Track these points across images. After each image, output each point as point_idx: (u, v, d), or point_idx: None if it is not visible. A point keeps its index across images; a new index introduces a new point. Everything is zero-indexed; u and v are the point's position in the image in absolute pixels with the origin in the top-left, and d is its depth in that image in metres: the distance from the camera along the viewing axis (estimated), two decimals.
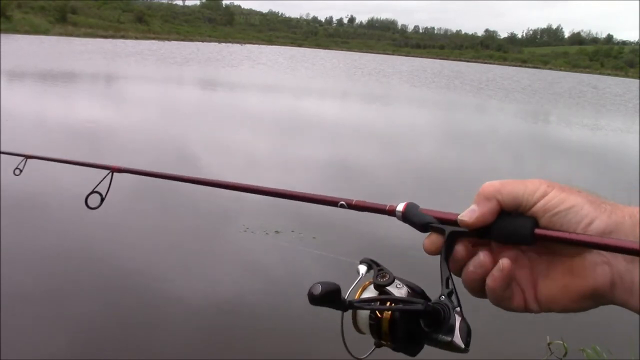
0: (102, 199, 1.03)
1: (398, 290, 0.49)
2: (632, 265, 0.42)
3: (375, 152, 9.29)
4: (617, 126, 17.57)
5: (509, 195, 0.47)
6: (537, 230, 0.43)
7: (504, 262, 0.47)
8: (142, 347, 3.00)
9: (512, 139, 12.69)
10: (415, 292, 0.50)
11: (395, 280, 0.49)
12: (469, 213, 0.49)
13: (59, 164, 1.36)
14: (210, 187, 0.78)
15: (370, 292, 0.50)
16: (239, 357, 3.02)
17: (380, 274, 0.50)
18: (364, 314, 0.50)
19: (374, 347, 0.50)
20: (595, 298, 0.45)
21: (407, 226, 0.50)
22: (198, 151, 8.16)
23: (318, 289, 0.44)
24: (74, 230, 4.47)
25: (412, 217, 0.50)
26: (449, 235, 0.49)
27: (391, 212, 0.52)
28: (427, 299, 0.49)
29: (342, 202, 0.58)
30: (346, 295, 0.48)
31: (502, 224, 0.45)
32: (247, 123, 11.32)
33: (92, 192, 1.02)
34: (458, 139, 11.78)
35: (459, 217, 0.49)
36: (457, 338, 0.47)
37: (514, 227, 0.45)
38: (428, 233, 0.51)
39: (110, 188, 1.02)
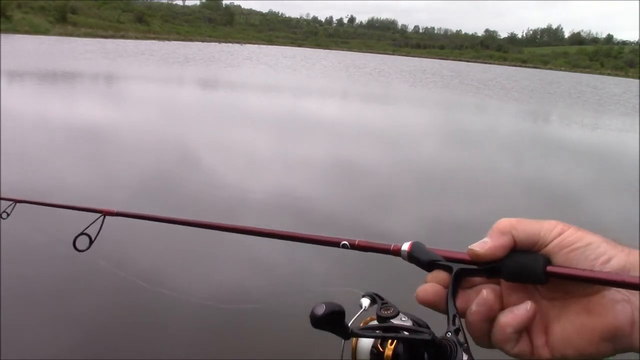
0: (91, 242, 1.00)
1: (402, 324, 0.47)
2: None
3: (376, 152, 9.29)
4: (616, 126, 17.57)
5: (524, 232, 0.45)
6: (550, 268, 0.42)
7: (486, 292, 0.46)
8: (147, 345, 3.01)
9: (512, 139, 12.69)
10: (421, 326, 0.47)
11: (400, 314, 0.48)
12: (480, 244, 0.47)
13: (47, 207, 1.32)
14: (200, 229, 0.77)
15: (364, 347, 0.49)
16: (243, 354, 3.04)
17: (384, 307, 0.49)
18: (365, 347, 0.48)
19: None
20: (615, 339, 0.42)
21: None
22: (204, 152, 8.15)
23: (321, 309, 0.42)
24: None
25: (418, 256, 0.49)
26: (457, 273, 0.47)
27: (396, 252, 0.51)
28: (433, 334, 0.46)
29: (345, 242, 0.57)
30: (353, 318, 0.47)
31: (512, 261, 0.44)
32: (250, 123, 11.32)
33: (81, 234, 0.99)
34: (458, 139, 11.77)
35: (469, 247, 0.47)
36: None
37: (525, 264, 0.43)
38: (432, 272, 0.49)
39: (102, 229, 1.00)
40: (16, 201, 1.35)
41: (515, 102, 23.35)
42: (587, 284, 0.42)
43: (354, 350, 0.49)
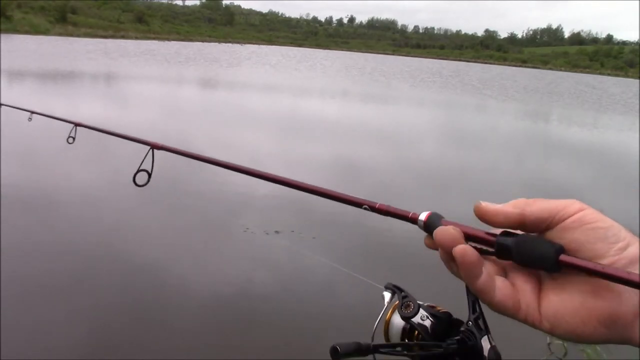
0: (149, 177, 1.06)
1: (422, 323, 0.48)
2: None
3: (378, 152, 9.30)
4: (616, 126, 17.58)
5: (539, 209, 0.44)
6: (563, 257, 0.41)
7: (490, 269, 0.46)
8: (155, 336, 3.03)
9: (512, 139, 12.70)
10: (441, 321, 0.48)
11: (420, 310, 0.49)
12: (489, 203, 0.47)
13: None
14: (235, 173, 0.80)
15: (397, 321, 0.50)
16: (247, 345, 3.07)
17: (404, 303, 0.50)
18: (396, 326, 0.50)
19: None
20: (613, 327, 0.40)
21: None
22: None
23: (336, 353, 0.45)
24: (86, 228, 4.54)
25: (434, 226, 0.48)
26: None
27: (414, 220, 0.51)
28: (454, 324, 0.48)
29: (366, 206, 0.58)
30: (375, 322, 0.49)
31: (524, 246, 0.43)
32: (255, 122, 11.33)
33: (139, 170, 1.05)
34: (458, 138, 11.79)
35: (476, 203, 0.47)
36: None
37: (536, 249, 0.42)
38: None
39: (147, 163, 1.05)
40: (76, 124, 1.52)
41: (516, 102, 23.36)
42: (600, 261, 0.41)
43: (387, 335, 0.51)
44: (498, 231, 0.46)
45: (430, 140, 11.59)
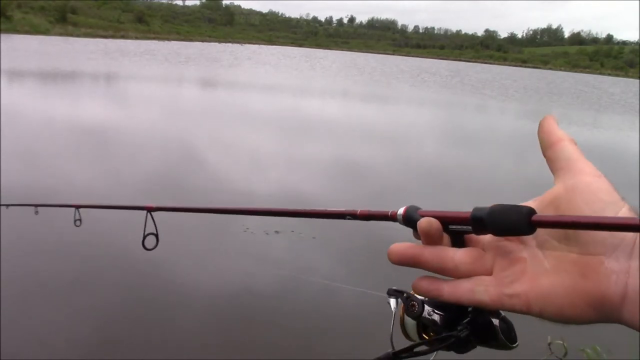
0: (157, 239, 1.15)
1: (431, 318, 0.50)
2: None
3: (378, 151, 9.30)
4: (616, 126, 17.59)
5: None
6: (535, 217, 0.41)
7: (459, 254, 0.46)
8: (157, 335, 3.04)
9: (512, 138, 12.71)
10: (448, 310, 0.49)
11: (426, 307, 0.50)
12: None
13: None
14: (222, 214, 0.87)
15: (410, 321, 0.51)
16: (249, 344, 3.08)
17: (409, 304, 0.51)
18: (411, 323, 0.51)
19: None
20: (601, 308, 0.40)
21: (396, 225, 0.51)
22: (218, 150, 8.17)
23: None
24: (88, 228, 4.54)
25: (412, 219, 0.49)
26: (451, 232, 0.47)
27: (393, 218, 0.53)
28: (462, 308, 0.48)
29: (349, 215, 0.60)
30: (391, 327, 0.51)
31: (495, 215, 0.43)
32: (255, 122, 11.34)
33: (147, 234, 1.13)
34: (458, 138, 11.79)
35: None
36: (502, 339, 0.47)
37: (507, 214, 0.42)
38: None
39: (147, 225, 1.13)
40: (77, 207, 1.63)
41: (516, 101, 23.37)
42: (589, 242, 0.40)
43: (404, 329, 0.53)
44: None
45: (429, 139, 11.59)
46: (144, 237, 1.12)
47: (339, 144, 9.73)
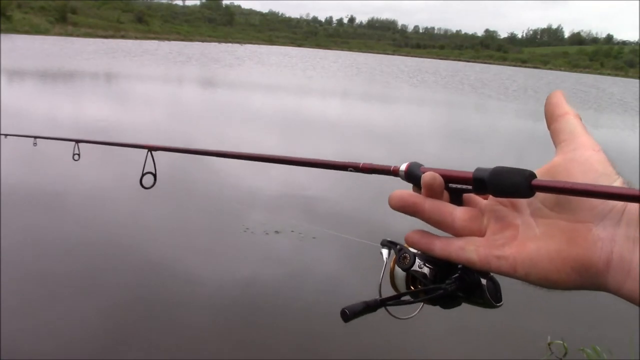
0: (155, 178, 1.14)
1: (421, 270, 0.51)
2: (632, 244, 0.38)
3: (378, 150, 9.30)
4: (616, 125, 17.59)
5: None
6: (535, 181, 0.41)
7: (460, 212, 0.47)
8: (165, 330, 3.05)
9: (512, 138, 12.71)
10: (437, 265, 0.50)
11: (417, 260, 0.51)
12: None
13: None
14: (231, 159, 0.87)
15: (400, 272, 0.52)
16: (259, 336, 3.12)
17: (401, 255, 0.52)
18: (400, 274, 0.52)
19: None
20: (585, 274, 0.41)
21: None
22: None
23: (346, 315, 0.47)
24: (100, 223, 4.61)
25: (414, 175, 0.51)
26: (451, 191, 0.49)
27: (395, 173, 0.53)
28: (452, 264, 0.49)
29: (351, 167, 0.61)
30: (380, 276, 0.52)
31: (497, 175, 0.44)
32: (256, 121, 11.34)
33: (144, 173, 1.12)
34: (457, 137, 11.79)
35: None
36: (487, 298, 0.48)
37: (509, 176, 0.43)
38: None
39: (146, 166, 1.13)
40: (77, 141, 1.64)
41: (516, 101, 23.36)
42: (579, 210, 0.41)
43: (393, 280, 0.53)
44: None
45: (429, 139, 11.59)
46: (142, 176, 1.12)
47: (339, 143, 9.73)
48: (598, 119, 19.49)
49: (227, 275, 3.96)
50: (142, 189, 1.13)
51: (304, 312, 3.46)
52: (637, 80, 62.40)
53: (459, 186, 0.48)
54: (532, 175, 0.42)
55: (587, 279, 0.41)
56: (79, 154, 1.64)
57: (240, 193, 5.91)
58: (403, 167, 0.52)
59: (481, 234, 0.46)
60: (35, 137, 2.10)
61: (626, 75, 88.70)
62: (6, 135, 2.43)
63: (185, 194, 5.66)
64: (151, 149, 1.15)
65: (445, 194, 0.48)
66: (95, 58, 26.55)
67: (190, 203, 5.46)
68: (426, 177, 0.47)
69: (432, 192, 0.48)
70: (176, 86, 18.89)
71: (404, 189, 0.48)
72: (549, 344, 2.92)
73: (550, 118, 0.48)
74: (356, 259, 4.08)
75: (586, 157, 0.43)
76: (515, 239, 0.44)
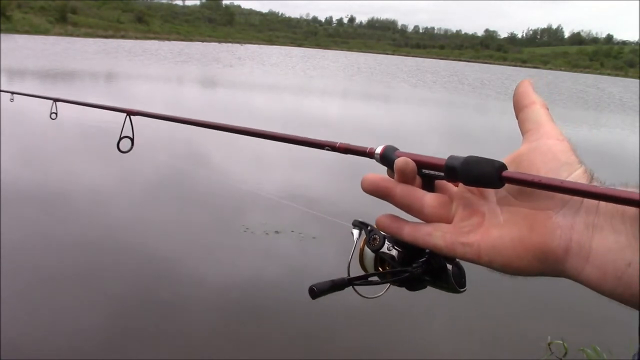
0: (132, 142, 1.12)
1: (389, 253, 0.52)
2: (591, 232, 0.39)
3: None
4: (616, 125, 17.59)
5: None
6: (505, 173, 0.42)
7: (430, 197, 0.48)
8: (168, 324, 3.07)
9: (512, 138, 12.68)
10: (406, 248, 0.51)
11: (386, 242, 0.52)
12: None
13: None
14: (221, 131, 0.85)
15: (369, 253, 0.53)
16: (258, 331, 3.13)
17: (371, 237, 0.53)
18: (369, 255, 0.53)
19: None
20: (545, 261, 0.42)
21: None
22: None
23: (314, 293, 0.49)
24: (101, 222, 4.61)
25: (389, 159, 0.51)
26: (423, 176, 0.49)
27: (371, 155, 0.54)
28: (420, 251, 0.50)
29: (327, 147, 0.62)
30: (350, 256, 0.53)
31: (468, 164, 0.44)
32: (256, 120, 11.33)
33: (121, 137, 1.10)
34: (457, 137, 11.79)
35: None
36: (452, 283, 0.50)
37: (480, 166, 0.43)
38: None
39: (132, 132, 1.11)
40: (55, 100, 1.60)
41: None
42: (540, 198, 0.42)
43: (362, 261, 0.55)
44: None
45: (429, 138, 11.59)
46: (120, 140, 1.10)
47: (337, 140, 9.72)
48: (598, 119, 19.50)
49: (227, 274, 3.96)
50: (121, 153, 1.12)
51: (304, 311, 3.46)
52: (637, 80, 62.35)
53: (431, 172, 0.48)
54: (503, 167, 0.43)
55: (548, 265, 0.42)
56: (56, 113, 1.60)
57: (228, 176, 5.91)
58: (379, 149, 0.53)
59: (449, 220, 0.47)
60: (13, 93, 2.06)
61: (626, 75, 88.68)
62: None
63: (185, 191, 5.66)
64: (130, 113, 1.13)
65: (418, 179, 0.49)
66: (97, 58, 26.54)
67: (191, 200, 5.46)
68: (399, 162, 0.48)
69: (404, 177, 0.48)
70: (176, 86, 18.89)
71: (377, 173, 0.49)
72: (549, 344, 2.92)
73: (517, 107, 0.49)
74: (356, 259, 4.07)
75: (549, 147, 0.44)
76: (481, 226, 0.45)
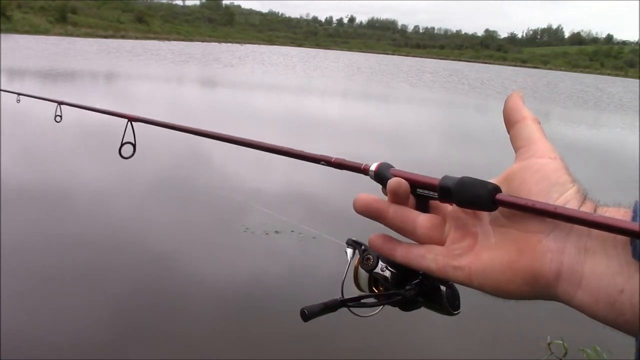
0: (134, 148, 1.14)
1: (382, 274, 0.52)
2: (582, 256, 0.38)
3: (378, 149, 9.30)
4: (616, 125, 17.59)
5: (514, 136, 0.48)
6: (499, 196, 0.42)
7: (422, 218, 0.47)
8: (170, 322, 3.07)
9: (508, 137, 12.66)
10: (399, 269, 0.51)
11: (379, 263, 0.52)
12: None
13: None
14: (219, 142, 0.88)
15: (363, 273, 0.53)
16: (259, 334, 3.14)
17: (365, 257, 0.52)
18: (364, 274, 0.53)
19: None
20: (535, 285, 0.41)
21: None
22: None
23: (305, 315, 0.49)
24: (104, 220, 4.64)
25: (383, 177, 0.50)
26: (417, 196, 0.48)
27: (365, 172, 0.53)
28: (414, 271, 0.50)
29: (323, 161, 0.61)
30: (344, 275, 0.53)
31: (462, 185, 0.44)
32: (257, 120, 11.34)
33: (123, 143, 1.11)
34: (457, 137, 11.79)
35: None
36: (445, 305, 0.49)
37: (474, 188, 0.43)
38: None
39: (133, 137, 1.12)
40: (59, 103, 1.64)
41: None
42: (531, 221, 0.41)
43: (356, 280, 0.54)
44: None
45: (429, 138, 11.59)
46: (121, 145, 1.12)
47: (339, 142, 9.73)
48: (598, 119, 19.50)
49: (227, 274, 3.97)
50: (123, 159, 1.13)
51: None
52: (637, 80, 62.38)
53: (425, 192, 0.48)
54: (496, 189, 0.42)
55: (538, 289, 0.41)
56: (60, 116, 1.62)
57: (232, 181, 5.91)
58: (373, 167, 0.52)
59: (442, 242, 0.47)
60: (19, 94, 2.11)
61: (626, 75, 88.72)
62: None
63: (186, 191, 5.66)
64: (131, 119, 1.15)
65: (412, 199, 0.49)
66: (99, 58, 26.55)
67: (191, 200, 5.46)
68: (392, 183, 0.47)
69: (397, 198, 0.48)
70: (178, 85, 18.89)
71: (368, 194, 0.49)
72: (548, 344, 2.92)
73: (508, 123, 0.49)
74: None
75: (540, 165, 0.43)
76: (473, 249, 0.45)
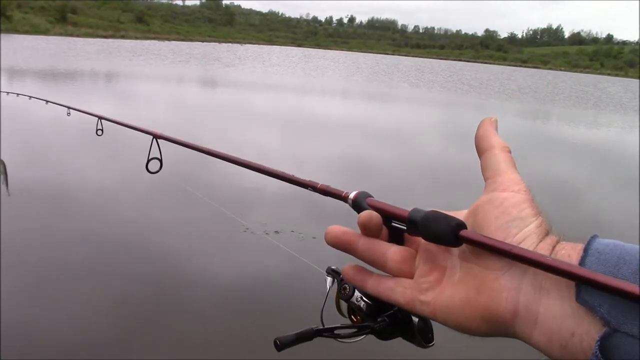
0: (161, 163, 1.21)
1: (357, 304, 0.52)
2: (538, 295, 0.38)
3: (378, 149, 9.31)
4: (616, 125, 17.60)
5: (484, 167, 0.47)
6: (463, 232, 0.42)
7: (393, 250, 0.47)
8: (174, 318, 3.06)
9: (512, 137, 12.68)
10: (374, 301, 0.51)
11: (355, 293, 0.52)
12: None
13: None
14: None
15: (343, 303, 0.54)
16: (259, 333, 3.14)
17: (342, 286, 0.52)
18: (344, 304, 0.54)
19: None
20: (493, 324, 0.41)
21: None
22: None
23: (277, 346, 0.49)
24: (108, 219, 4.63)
25: (359, 206, 0.50)
26: (393, 230, 0.48)
27: (345, 199, 0.53)
28: (389, 304, 0.49)
29: (310, 187, 0.62)
30: (322, 304, 0.54)
31: (428, 220, 0.43)
32: (258, 119, 11.35)
33: (150, 159, 1.19)
34: (457, 137, 11.79)
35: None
36: (418, 338, 0.49)
37: (439, 223, 0.43)
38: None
39: (155, 154, 1.20)
40: (100, 117, 1.79)
41: (516, 101, 23.37)
42: (491, 257, 0.41)
43: (338, 307, 0.55)
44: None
45: (429, 138, 11.60)
46: (148, 161, 1.18)
47: (340, 142, 9.74)
48: (598, 118, 19.50)
49: (227, 274, 3.98)
50: (150, 174, 1.20)
51: (305, 311, 3.47)
52: (637, 80, 62.42)
53: (398, 225, 0.47)
54: (460, 226, 0.42)
55: (496, 328, 0.41)
56: (102, 130, 1.76)
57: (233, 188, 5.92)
58: (352, 195, 0.52)
59: (412, 275, 0.46)
60: (69, 108, 2.56)
61: (626, 75, 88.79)
62: (47, 101, 3.10)
63: (186, 191, 5.67)
64: (156, 136, 1.23)
65: (386, 230, 0.48)
66: (100, 58, 26.57)
67: (192, 200, 5.47)
68: (362, 217, 0.47)
69: (367, 231, 0.47)
70: (178, 85, 18.91)
71: (339, 226, 0.48)
72: None
73: (478, 151, 0.48)
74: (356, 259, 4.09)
75: (502, 200, 0.42)
76: (440, 283, 0.44)
